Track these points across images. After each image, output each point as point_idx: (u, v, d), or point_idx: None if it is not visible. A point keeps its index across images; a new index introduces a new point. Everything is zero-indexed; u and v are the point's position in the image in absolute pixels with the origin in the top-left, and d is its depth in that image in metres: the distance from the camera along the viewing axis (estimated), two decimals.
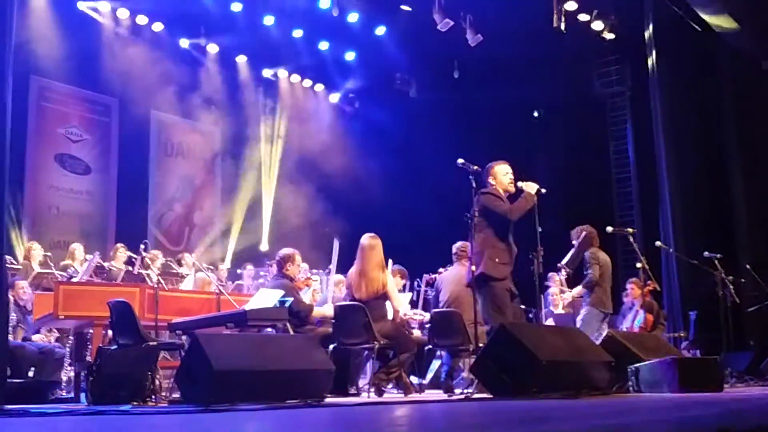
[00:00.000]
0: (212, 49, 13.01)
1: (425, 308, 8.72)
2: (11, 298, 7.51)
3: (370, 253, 6.94)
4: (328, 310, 7.20)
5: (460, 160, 6.36)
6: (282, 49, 13.25)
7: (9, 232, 9.52)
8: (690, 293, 10.77)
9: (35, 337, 7.66)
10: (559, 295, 9.47)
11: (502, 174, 6.48)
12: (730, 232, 11.78)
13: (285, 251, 7.38)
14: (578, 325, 7.94)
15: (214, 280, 7.81)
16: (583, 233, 8.04)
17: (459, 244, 7.75)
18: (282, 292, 6.81)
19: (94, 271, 8.10)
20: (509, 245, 6.32)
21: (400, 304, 7.25)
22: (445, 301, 7.54)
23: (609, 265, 8.08)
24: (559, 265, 8.40)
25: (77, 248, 9.00)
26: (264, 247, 13.17)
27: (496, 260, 6.21)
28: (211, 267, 9.17)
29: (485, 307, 6.25)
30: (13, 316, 7.32)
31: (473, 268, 6.25)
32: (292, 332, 6.71)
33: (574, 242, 8.12)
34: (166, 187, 13.08)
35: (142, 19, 12.08)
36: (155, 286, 6.95)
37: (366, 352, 7.05)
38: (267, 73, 14.10)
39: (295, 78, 14.45)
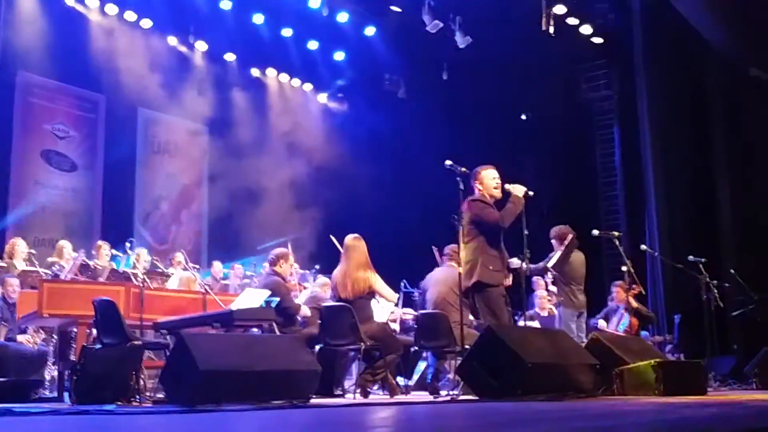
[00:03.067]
0: (201, 46, 12.96)
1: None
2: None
3: (354, 253, 6.97)
4: (304, 311, 7.36)
5: (448, 162, 6.36)
6: (271, 48, 13.23)
7: None
8: (674, 297, 10.84)
9: (21, 338, 7.60)
10: (545, 298, 9.50)
11: (489, 179, 6.47)
12: (715, 236, 11.85)
13: (279, 250, 7.52)
14: (557, 326, 8.00)
15: (199, 279, 7.79)
16: (570, 235, 8.06)
17: (452, 246, 7.78)
18: (268, 292, 6.82)
19: (79, 270, 8.04)
20: (502, 251, 6.34)
21: (391, 296, 7.26)
22: (431, 302, 7.55)
23: (581, 266, 8.10)
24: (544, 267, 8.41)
25: (65, 246, 8.92)
26: (251, 246, 13.13)
27: (490, 268, 6.21)
28: (198, 266, 9.13)
29: (482, 313, 6.27)
30: None
31: (460, 270, 6.26)
32: (278, 332, 6.70)
33: (552, 242, 8.13)
34: (152, 185, 13.02)
35: (130, 16, 12.02)
36: (141, 284, 6.91)
37: (352, 353, 7.05)
38: (255, 72, 14.07)
39: (284, 77, 14.43)
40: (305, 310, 7.40)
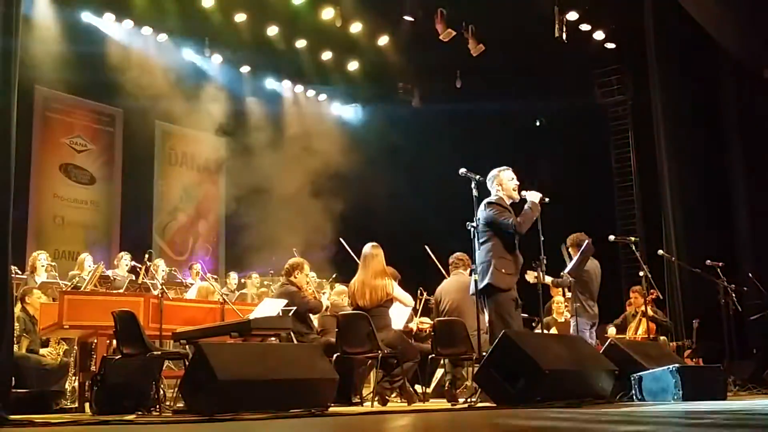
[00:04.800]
0: (216, 59, 13.09)
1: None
2: (19, 307, 7.54)
3: (373, 261, 6.99)
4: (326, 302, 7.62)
5: (463, 170, 6.38)
6: (285, 60, 13.32)
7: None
8: (692, 301, 10.76)
9: (43, 351, 7.67)
10: (562, 303, 9.48)
11: (508, 180, 6.50)
12: (733, 240, 11.77)
13: (294, 260, 7.54)
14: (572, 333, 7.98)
15: (217, 290, 7.84)
16: (586, 241, 8.04)
17: (456, 254, 7.82)
18: (285, 301, 6.86)
19: (98, 281, 8.12)
20: (516, 256, 6.35)
21: (407, 301, 7.29)
22: (445, 311, 7.55)
23: (596, 274, 8.07)
24: (562, 273, 8.39)
25: (86, 258, 9.04)
26: (269, 256, 13.19)
27: (503, 271, 6.22)
28: (215, 277, 9.20)
29: (491, 317, 6.27)
30: (19, 327, 7.35)
31: (476, 277, 6.26)
32: (295, 341, 6.73)
33: (569, 249, 8.10)
34: (170, 197, 13.14)
35: (146, 30, 12.17)
36: (159, 295, 6.97)
37: (369, 361, 7.07)
38: (270, 83, 14.17)
39: (299, 88, 14.53)
40: (326, 302, 7.51)
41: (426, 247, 9.01)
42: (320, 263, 10.84)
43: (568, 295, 9.16)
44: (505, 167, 6.60)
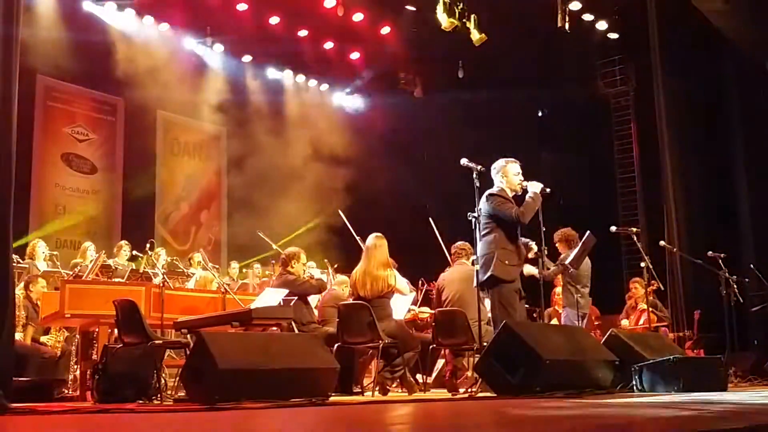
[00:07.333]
0: (218, 48, 13.06)
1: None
2: (20, 295, 7.56)
3: (375, 252, 6.99)
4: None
5: (464, 160, 6.37)
6: (287, 49, 13.29)
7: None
8: (694, 293, 10.77)
9: (44, 338, 7.69)
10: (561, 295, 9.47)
11: (513, 173, 6.49)
12: (734, 231, 11.77)
13: (290, 249, 7.56)
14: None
15: (217, 279, 7.85)
16: (587, 232, 8.03)
17: (458, 244, 7.81)
18: (286, 291, 6.86)
19: (100, 270, 8.13)
20: (518, 247, 6.34)
21: (405, 290, 7.31)
22: (448, 301, 7.55)
23: (586, 267, 8.06)
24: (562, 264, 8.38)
25: (89, 247, 9.05)
26: (271, 246, 13.20)
27: (506, 262, 6.22)
28: (217, 266, 9.20)
29: (494, 308, 6.27)
30: (22, 314, 7.37)
31: (477, 267, 6.26)
32: (296, 331, 6.75)
33: (557, 245, 8.08)
34: (172, 187, 13.13)
35: (147, 19, 12.14)
36: (161, 284, 6.98)
37: (370, 351, 7.08)
38: (272, 72, 14.14)
39: (300, 77, 14.50)
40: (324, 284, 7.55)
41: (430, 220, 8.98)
42: (321, 254, 10.85)
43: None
44: (512, 159, 6.59)
